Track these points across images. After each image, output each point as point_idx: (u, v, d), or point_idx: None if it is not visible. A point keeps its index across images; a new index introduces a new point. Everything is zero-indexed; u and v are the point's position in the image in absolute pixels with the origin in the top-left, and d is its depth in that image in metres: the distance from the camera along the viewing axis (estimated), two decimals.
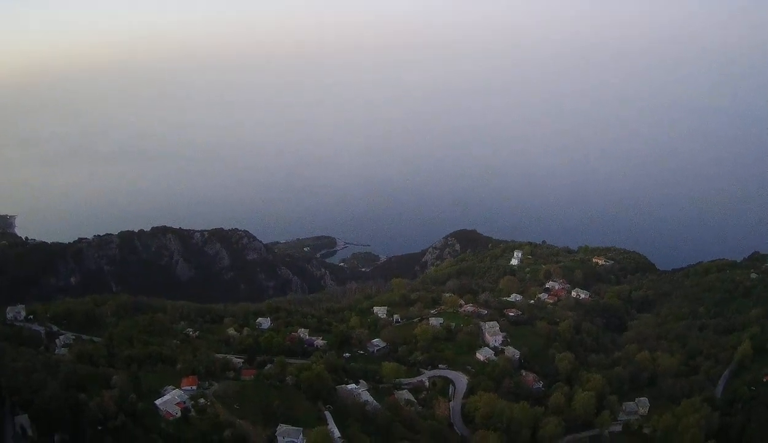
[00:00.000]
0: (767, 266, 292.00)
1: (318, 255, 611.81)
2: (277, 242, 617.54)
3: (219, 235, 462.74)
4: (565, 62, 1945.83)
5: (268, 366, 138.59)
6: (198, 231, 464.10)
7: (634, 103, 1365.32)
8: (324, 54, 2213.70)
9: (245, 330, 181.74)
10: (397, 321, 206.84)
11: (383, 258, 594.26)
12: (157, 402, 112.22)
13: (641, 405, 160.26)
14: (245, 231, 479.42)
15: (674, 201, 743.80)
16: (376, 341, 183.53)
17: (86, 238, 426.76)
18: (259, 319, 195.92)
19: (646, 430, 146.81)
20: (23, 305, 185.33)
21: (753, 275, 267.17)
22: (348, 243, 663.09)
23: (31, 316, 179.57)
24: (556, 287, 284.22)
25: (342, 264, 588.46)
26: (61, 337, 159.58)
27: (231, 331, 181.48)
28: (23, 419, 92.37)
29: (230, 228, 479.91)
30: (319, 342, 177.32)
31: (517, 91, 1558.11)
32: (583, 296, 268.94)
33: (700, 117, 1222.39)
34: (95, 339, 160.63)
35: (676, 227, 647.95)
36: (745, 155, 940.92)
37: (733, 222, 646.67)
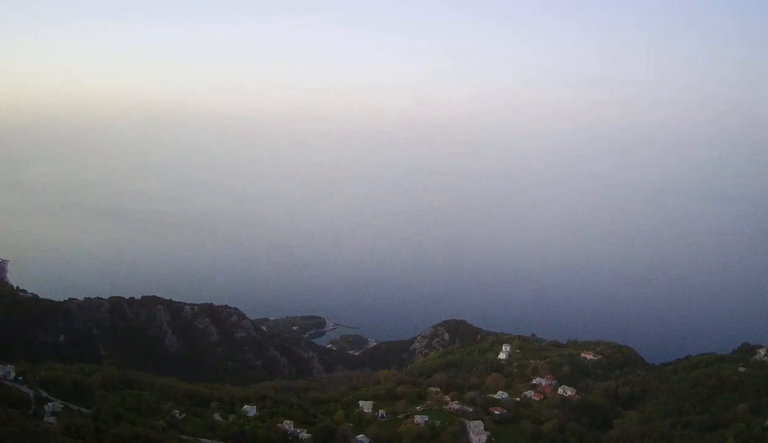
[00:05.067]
0: (756, 359, 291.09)
1: (306, 335, 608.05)
2: (267, 319, 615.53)
3: (209, 310, 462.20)
4: (550, 151, 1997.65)
5: None
6: (188, 304, 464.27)
7: (620, 197, 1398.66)
8: (310, 129, 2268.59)
9: (231, 417, 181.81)
10: (382, 417, 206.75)
11: (372, 342, 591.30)
12: None
13: None
14: (235, 309, 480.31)
15: (664, 292, 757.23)
16: (360, 437, 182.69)
17: (76, 299, 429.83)
18: (246, 406, 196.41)
19: None
20: (12, 366, 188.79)
21: (741, 369, 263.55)
22: (337, 324, 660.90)
23: (21, 377, 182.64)
24: (543, 384, 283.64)
25: (330, 346, 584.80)
26: (50, 404, 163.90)
27: (217, 417, 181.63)
28: None
29: (220, 304, 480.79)
30: (304, 434, 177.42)
31: (506, 178, 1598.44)
32: (569, 393, 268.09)
33: (686, 206, 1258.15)
34: (83, 410, 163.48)
35: (667, 318, 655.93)
36: (736, 244, 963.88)
37: (723, 312, 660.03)
